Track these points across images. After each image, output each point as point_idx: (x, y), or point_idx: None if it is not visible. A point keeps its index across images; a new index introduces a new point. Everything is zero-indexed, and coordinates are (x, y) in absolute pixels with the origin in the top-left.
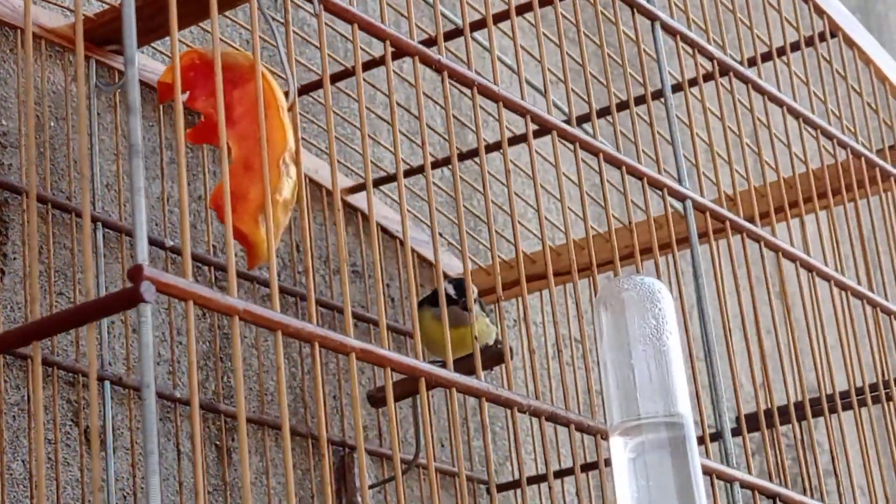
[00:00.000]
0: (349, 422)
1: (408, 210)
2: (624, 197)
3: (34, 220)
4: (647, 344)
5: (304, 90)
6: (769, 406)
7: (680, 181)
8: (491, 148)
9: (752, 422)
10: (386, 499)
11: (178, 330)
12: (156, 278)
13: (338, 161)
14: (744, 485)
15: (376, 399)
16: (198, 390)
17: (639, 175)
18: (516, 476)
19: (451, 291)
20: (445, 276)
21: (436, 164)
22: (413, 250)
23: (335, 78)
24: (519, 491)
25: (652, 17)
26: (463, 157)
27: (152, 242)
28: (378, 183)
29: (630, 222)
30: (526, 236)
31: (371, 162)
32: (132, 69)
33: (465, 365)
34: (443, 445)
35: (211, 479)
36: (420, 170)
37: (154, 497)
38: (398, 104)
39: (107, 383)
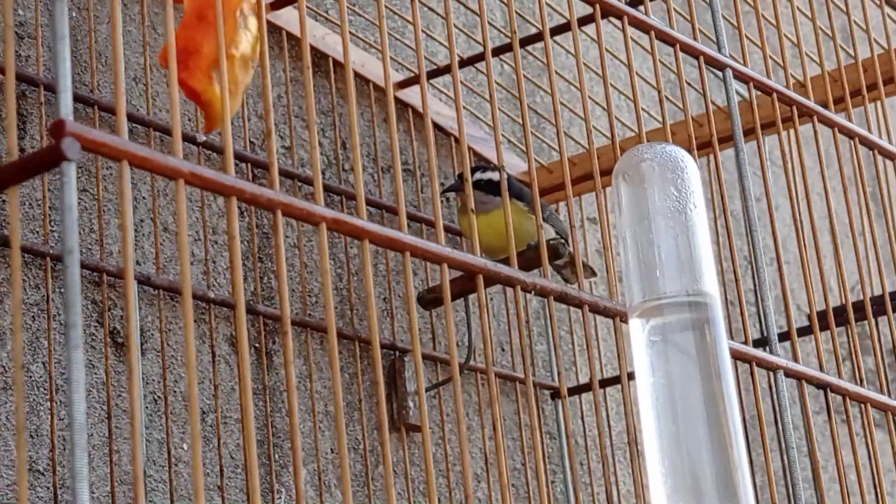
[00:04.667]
0: (399, 324)
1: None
2: (680, 82)
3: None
4: (669, 217)
5: None
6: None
7: (719, 48)
8: (554, 32)
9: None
10: (440, 404)
11: (212, 229)
12: (81, 134)
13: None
14: (788, 373)
15: (427, 300)
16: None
17: (671, 41)
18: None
19: (484, 175)
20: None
21: (495, 52)
22: (469, 147)
23: None
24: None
25: None
26: (524, 42)
27: (185, 138)
28: (432, 75)
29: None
30: (575, 136)
31: (424, 57)
32: None
33: (521, 260)
34: (503, 350)
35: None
36: (479, 58)
37: (76, 374)
38: None
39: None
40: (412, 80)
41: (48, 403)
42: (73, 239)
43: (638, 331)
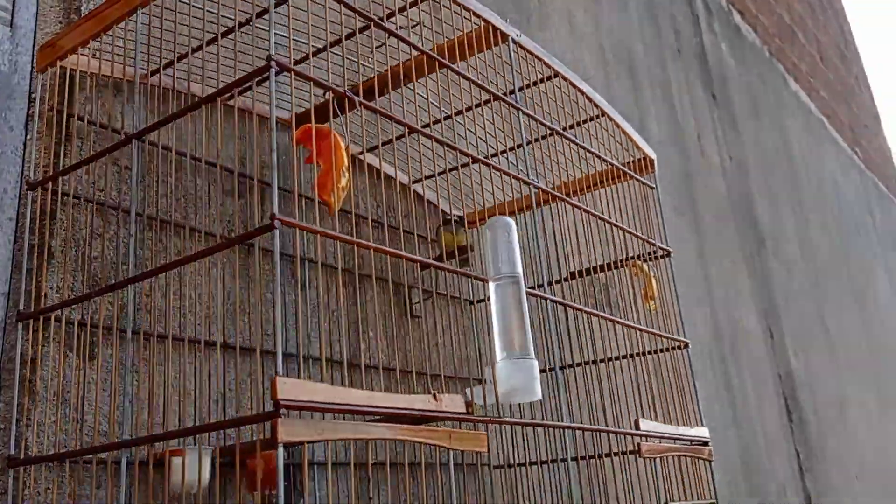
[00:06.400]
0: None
1: (437, 191)
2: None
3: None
4: (505, 243)
5: (371, 149)
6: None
7: (528, 175)
8: (465, 164)
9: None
10: (432, 307)
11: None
12: (281, 217)
13: (401, 171)
14: (552, 301)
15: (424, 266)
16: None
17: (506, 173)
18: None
19: (454, 218)
20: (447, 213)
21: (441, 172)
22: (435, 205)
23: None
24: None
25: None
26: (462, 166)
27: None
28: (419, 180)
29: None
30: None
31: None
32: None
33: (460, 251)
34: (444, 285)
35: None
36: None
37: None
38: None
39: None
40: (416, 180)
41: None
42: (277, 275)
43: (492, 285)
